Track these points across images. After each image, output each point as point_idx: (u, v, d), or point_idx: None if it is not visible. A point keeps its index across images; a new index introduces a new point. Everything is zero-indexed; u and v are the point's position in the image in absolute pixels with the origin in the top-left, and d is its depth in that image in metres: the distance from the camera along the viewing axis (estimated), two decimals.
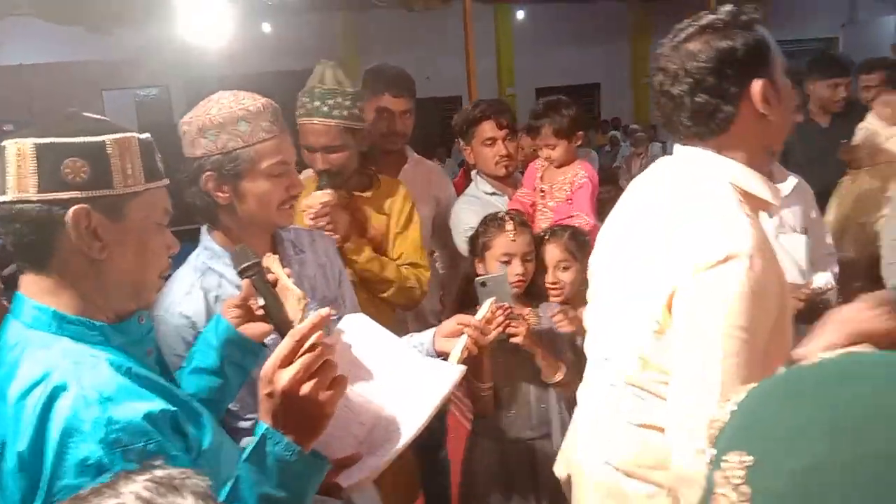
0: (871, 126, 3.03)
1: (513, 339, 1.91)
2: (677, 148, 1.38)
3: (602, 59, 12.84)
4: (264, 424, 1.05)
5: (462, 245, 2.46)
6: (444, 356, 1.64)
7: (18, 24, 8.35)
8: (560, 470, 1.72)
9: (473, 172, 2.71)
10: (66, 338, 1.03)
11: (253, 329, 1.35)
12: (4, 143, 1.02)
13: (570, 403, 2.20)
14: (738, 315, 1.15)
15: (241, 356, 1.36)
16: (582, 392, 1.62)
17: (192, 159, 1.47)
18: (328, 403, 1.06)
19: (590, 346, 1.58)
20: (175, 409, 1.02)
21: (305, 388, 1.04)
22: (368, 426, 1.26)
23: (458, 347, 1.60)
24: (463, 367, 1.41)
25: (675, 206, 1.31)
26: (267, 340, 1.39)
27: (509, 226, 2.07)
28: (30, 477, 0.93)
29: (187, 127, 1.46)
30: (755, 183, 1.29)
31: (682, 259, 1.21)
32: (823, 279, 2.33)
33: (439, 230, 2.62)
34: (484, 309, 1.69)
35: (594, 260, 1.59)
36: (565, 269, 2.18)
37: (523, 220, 2.15)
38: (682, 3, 9.63)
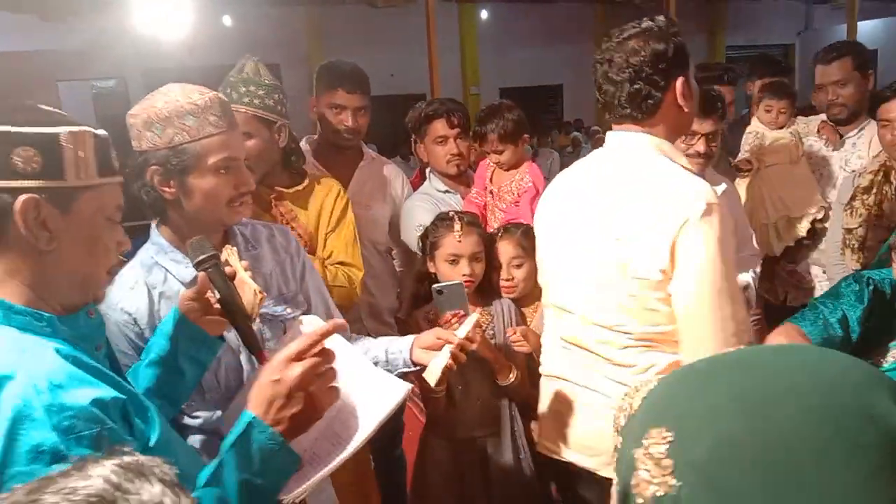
0: (758, 129, 3.12)
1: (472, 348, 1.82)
2: (612, 133, 1.69)
3: (565, 60, 12.93)
4: (250, 413, 1.08)
5: (413, 242, 2.46)
6: (420, 367, 1.66)
7: None
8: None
9: (427, 170, 2.71)
10: (12, 328, 1.01)
11: (209, 323, 1.33)
12: None
13: (521, 404, 2.22)
14: (727, 250, 1.51)
15: (196, 350, 1.35)
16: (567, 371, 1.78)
17: (138, 153, 1.43)
18: (320, 406, 1.12)
19: (567, 323, 1.75)
20: (124, 397, 1.01)
21: (311, 386, 1.10)
22: (312, 436, 1.24)
23: (438, 364, 1.62)
24: (409, 385, 1.40)
25: (633, 180, 1.60)
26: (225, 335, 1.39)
27: (457, 226, 2.08)
28: None
29: (134, 120, 1.43)
30: (680, 156, 1.66)
31: (671, 219, 1.50)
32: (746, 278, 2.40)
33: (396, 228, 2.62)
34: (467, 326, 1.68)
35: (551, 244, 1.79)
36: (518, 266, 2.20)
37: (472, 220, 2.15)
38: (642, 6, 9.78)
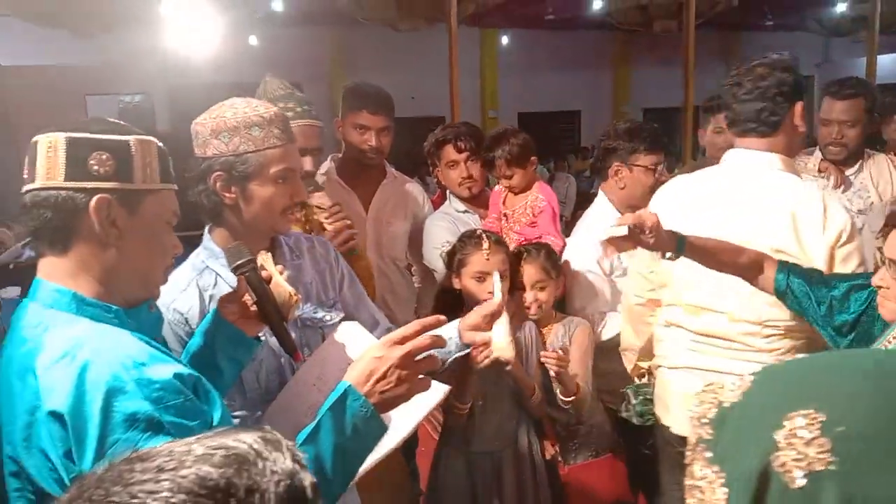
0: None
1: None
2: (737, 151, 2.01)
3: (584, 87, 13.03)
4: (347, 382, 1.19)
5: (433, 260, 2.52)
6: (473, 346, 1.82)
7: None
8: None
9: (448, 192, 2.78)
10: (85, 318, 1.11)
11: (246, 323, 1.42)
12: (36, 137, 1.12)
13: (537, 421, 2.27)
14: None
15: (234, 349, 1.42)
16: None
17: (201, 159, 1.52)
18: (411, 390, 1.23)
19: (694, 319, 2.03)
20: (196, 375, 1.11)
21: (409, 367, 1.20)
22: None
23: (501, 333, 1.80)
24: (447, 387, 1.48)
25: (775, 192, 1.93)
26: (261, 336, 1.47)
27: (485, 244, 2.14)
28: (75, 433, 1.00)
29: (201, 128, 1.52)
30: (799, 171, 2.08)
31: (831, 229, 1.87)
32: None
33: (415, 245, 2.68)
34: (497, 289, 1.86)
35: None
36: (542, 288, 2.24)
37: (499, 240, 2.22)
38: (660, 35, 9.82)
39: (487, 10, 8.82)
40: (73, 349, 1.04)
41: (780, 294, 1.81)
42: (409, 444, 2.75)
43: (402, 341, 1.23)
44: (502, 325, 1.81)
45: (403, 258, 2.69)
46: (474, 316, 1.82)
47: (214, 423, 1.11)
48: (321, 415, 1.19)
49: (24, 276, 3.30)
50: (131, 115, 9.90)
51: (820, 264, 1.87)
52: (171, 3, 6.47)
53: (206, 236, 1.65)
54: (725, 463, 0.66)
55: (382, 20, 8.28)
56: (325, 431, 1.17)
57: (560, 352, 2.10)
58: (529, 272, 2.26)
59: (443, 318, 1.31)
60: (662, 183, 2.37)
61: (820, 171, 2.92)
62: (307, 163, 2.08)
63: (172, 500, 0.58)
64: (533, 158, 2.59)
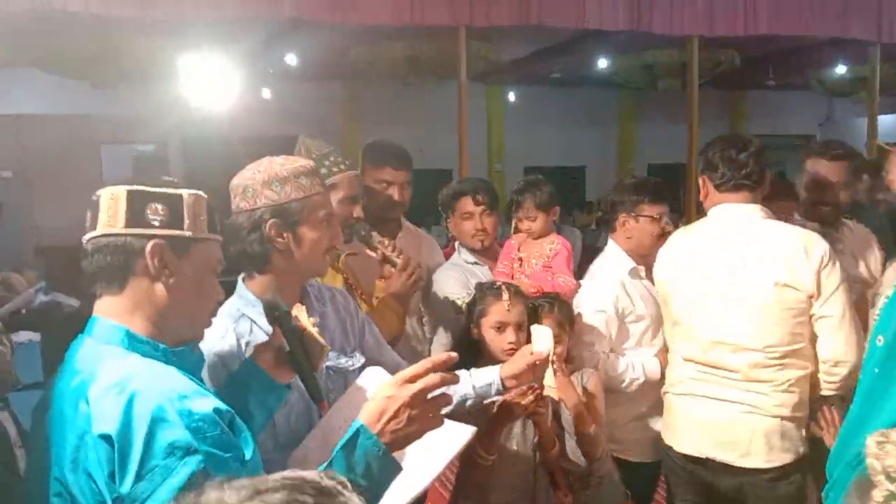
0: None
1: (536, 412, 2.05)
2: (726, 206, 2.37)
3: (589, 143, 13.18)
4: (361, 421, 1.23)
5: (442, 309, 2.57)
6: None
7: (17, 75, 8.53)
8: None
9: (456, 243, 2.84)
10: (135, 354, 1.20)
11: (279, 371, 1.50)
12: (99, 192, 1.25)
13: (551, 472, 2.27)
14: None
15: (265, 396, 1.49)
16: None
17: (249, 211, 1.63)
18: (423, 428, 1.26)
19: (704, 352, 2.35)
20: (232, 411, 1.17)
21: (420, 406, 1.23)
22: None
23: (550, 373, 1.92)
24: (474, 428, 1.52)
25: (767, 236, 2.29)
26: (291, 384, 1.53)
27: (505, 295, 2.18)
28: (119, 457, 1.07)
29: (250, 181, 1.65)
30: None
31: (813, 259, 2.21)
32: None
33: (428, 297, 2.72)
34: (545, 339, 1.93)
35: (698, 296, 2.38)
36: (557, 342, 2.26)
37: (518, 290, 2.26)
38: (665, 94, 9.96)
39: (495, 67, 9.04)
40: (123, 380, 1.12)
41: None
42: (419, 500, 2.73)
43: (413, 379, 1.26)
44: (550, 368, 1.92)
45: (417, 309, 2.73)
46: (519, 364, 1.90)
47: (247, 458, 1.16)
48: (333, 454, 1.22)
49: (36, 320, 3.35)
50: (145, 164, 10.07)
51: (810, 287, 2.20)
52: (188, 57, 6.67)
53: (241, 285, 1.73)
54: None
55: (393, 76, 8.49)
56: (338, 468, 1.20)
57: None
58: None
59: (454, 355, 1.32)
60: (668, 233, 2.65)
61: None
62: (357, 210, 2.26)
63: None
64: (556, 208, 2.77)
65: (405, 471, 1.36)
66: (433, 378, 1.25)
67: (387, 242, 2.30)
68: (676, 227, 2.71)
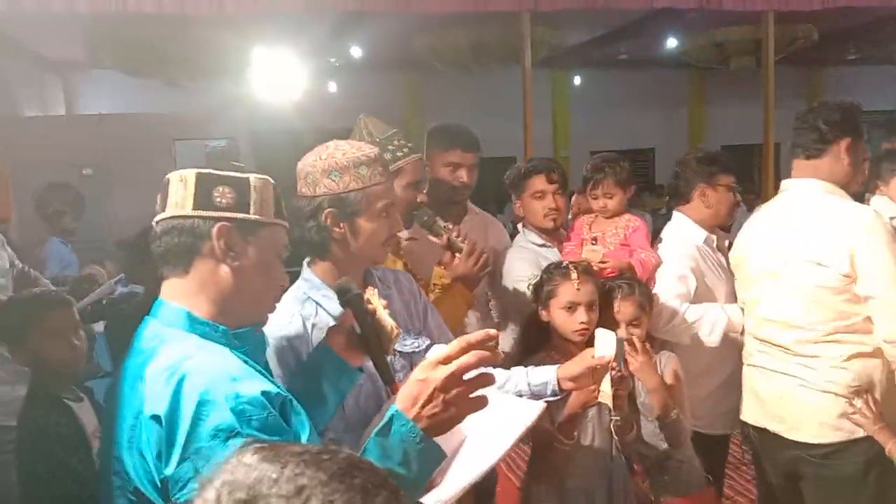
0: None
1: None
2: (791, 180, 2.39)
3: (658, 125, 12.88)
4: (395, 406, 1.18)
5: (513, 293, 2.54)
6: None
7: (99, 77, 8.89)
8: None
9: (520, 225, 2.80)
10: (195, 335, 1.21)
11: (351, 354, 1.50)
12: (168, 175, 1.26)
13: (627, 456, 2.24)
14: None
15: (338, 378, 1.50)
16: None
17: (309, 197, 1.64)
18: (462, 411, 1.19)
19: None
20: (286, 394, 1.17)
21: (454, 390, 1.16)
22: (448, 453, 1.33)
23: (607, 379, 1.87)
24: (543, 404, 1.50)
25: (814, 213, 2.25)
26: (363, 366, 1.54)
27: (574, 274, 2.15)
28: (167, 437, 1.08)
29: (311, 168, 1.64)
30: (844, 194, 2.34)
31: (844, 243, 2.14)
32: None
33: (496, 280, 2.70)
34: (610, 346, 1.87)
35: (763, 273, 2.39)
36: (637, 325, 2.22)
37: (587, 269, 2.22)
38: (737, 74, 9.64)
39: (560, 52, 8.90)
40: (177, 361, 1.14)
41: None
42: (488, 485, 2.73)
43: (447, 361, 1.18)
44: (608, 375, 1.86)
45: (483, 293, 2.72)
46: (577, 367, 1.87)
47: (301, 441, 1.15)
48: (367, 441, 1.20)
49: (110, 311, 3.48)
50: (217, 158, 10.35)
51: (843, 266, 2.14)
52: (255, 53, 6.81)
53: (306, 269, 1.75)
54: None
55: (456, 63, 8.45)
56: (372, 457, 1.16)
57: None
58: (626, 309, 2.25)
59: (493, 332, 1.25)
60: (738, 203, 2.77)
61: None
62: (420, 195, 2.24)
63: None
64: (632, 186, 2.74)
65: (471, 448, 1.35)
66: (468, 358, 1.17)
67: (451, 227, 2.27)
68: (751, 209, 2.69)
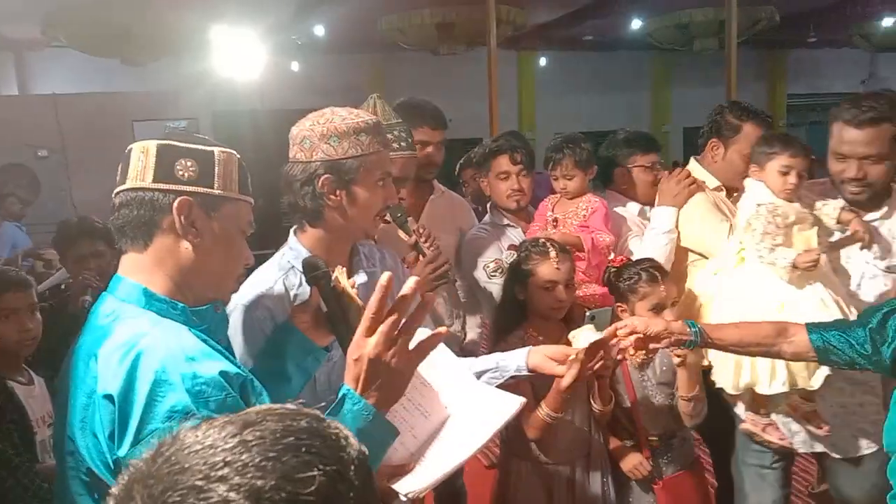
0: (773, 201, 2.99)
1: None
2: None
3: (622, 108, 12.96)
4: (346, 386, 1.16)
5: (476, 272, 2.53)
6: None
7: (54, 55, 8.62)
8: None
9: (489, 204, 2.79)
10: (152, 312, 1.17)
11: (316, 333, 1.47)
12: (131, 146, 1.21)
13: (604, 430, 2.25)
14: None
15: (303, 357, 1.47)
16: None
17: (304, 163, 1.58)
18: (408, 366, 1.17)
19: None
20: (245, 374, 1.14)
21: (388, 355, 1.14)
22: (421, 440, 1.32)
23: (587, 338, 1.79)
24: (523, 399, 1.48)
25: None
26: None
27: (553, 252, 2.13)
28: (120, 417, 1.05)
29: (308, 133, 1.59)
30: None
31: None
32: None
33: (461, 259, 2.69)
34: (587, 340, 1.81)
35: None
36: (657, 312, 2.14)
37: (564, 248, 2.20)
38: (701, 54, 9.70)
39: (525, 32, 8.88)
40: (132, 339, 1.10)
41: (822, 353, 1.79)
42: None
43: (370, 331, 1.16)
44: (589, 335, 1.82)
45: (451, 273, 2.70)
46: (542, 359, 1.81)
47: None
48: None
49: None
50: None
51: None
52: (216, 32, 6.66)
53: (293, 238, 1.70)
54: None
55: (422, 45, 8.39)
56: None
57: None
58: (652, 296, 2.18)
59: (389, 275, 1.18)
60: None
61: (840, 222, 2.23)
62: (402, 192, 2.16)
63: (280, 442, 0.60)
64: (594, 167, 2.67)
65: (448, 439, 1.34)
66: (388, 321, 1.14)
67: (421, 230, 2.21)
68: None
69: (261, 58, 7.03)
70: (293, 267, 1.65)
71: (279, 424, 0.63)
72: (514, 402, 1.46)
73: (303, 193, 1.60)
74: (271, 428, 0.62)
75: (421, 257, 2.16)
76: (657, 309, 2.13)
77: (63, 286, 3.61)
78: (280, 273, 1.65)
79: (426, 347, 1.19)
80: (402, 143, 2.14)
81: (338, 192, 1.60)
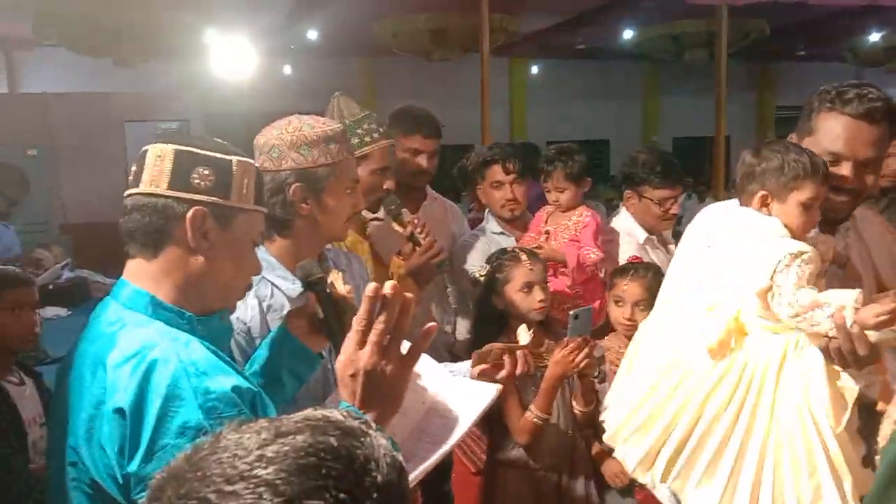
0: None
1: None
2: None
3: (613, 116, 13.03)
4: (345, 402, 1.11)
5: (466, 279, 2.55)
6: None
7: (45, 54, 8.58)
8: None
9: (486, 212, 2.80)
10: (159, 321, 1.15)
11: (311, 339, 1.45)
12: (147, 147, 1.18)
13: (587, 432, 2.26)
14: None
15: (297, 364, 1.45)
16: None
17: (273, 172, 1.57)
18: (401, 377, 1.12)
19: None
20: (256, 389, 1.13)
21: (383, 363, 1.09)
22: (401, 438, 1.31)
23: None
24: (499, 386, 1.48)
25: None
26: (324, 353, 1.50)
27: (524, 256, 2.19)
28: (131, 432, 1.03)
29: (277, 141, 1.58)
30: None
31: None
32: None
33: (452, 266, 2.69)
34: (525, 337, 1.87)
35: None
36: (643, 309, 2.24)
37: (533, 251, 2.28)
38: (691, 65, 9.77)
39: (518, 40, 8.91)
40: (142, 350, 1.07)
41: None
42: (445, 467, 2.74)
43: (362, 343, 1.09)
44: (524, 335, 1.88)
45: (442, 278, 2.71)
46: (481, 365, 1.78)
47: None
48: None
49: (64, 296, 3.40)
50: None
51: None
52: (209, 34, 6.65)
53: (261, 248, 1.66)
54: None
55: (415, 50, 8.40)
56: None
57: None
58: (633, 290, 2.30)
59: (370, 296, 1.10)
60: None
61: (834, 261, 1.73)
62: (388, 181, 2.18)
63: (300, 461, 0.60)
64: (587, 179, 2.66)
65: (429, 432, 1.34)
66: (377, 330, 1.08)
67: (416, 221, 2.23)
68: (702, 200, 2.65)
69: (254, 60, 7.03)
70: (263, 278, 1.62)
71: (309, 440, 0.62)
72: (490, 390, 1.44)
73: (273, 202, 1.57)
74: (298, 444, 0.62)
75: (417, 248, 2.18)
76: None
77: (51, 287, 3.60)
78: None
79: (418, 349, 1.16)
80: (375, 135, 2.14)
81: (308, 200, 1.60)
